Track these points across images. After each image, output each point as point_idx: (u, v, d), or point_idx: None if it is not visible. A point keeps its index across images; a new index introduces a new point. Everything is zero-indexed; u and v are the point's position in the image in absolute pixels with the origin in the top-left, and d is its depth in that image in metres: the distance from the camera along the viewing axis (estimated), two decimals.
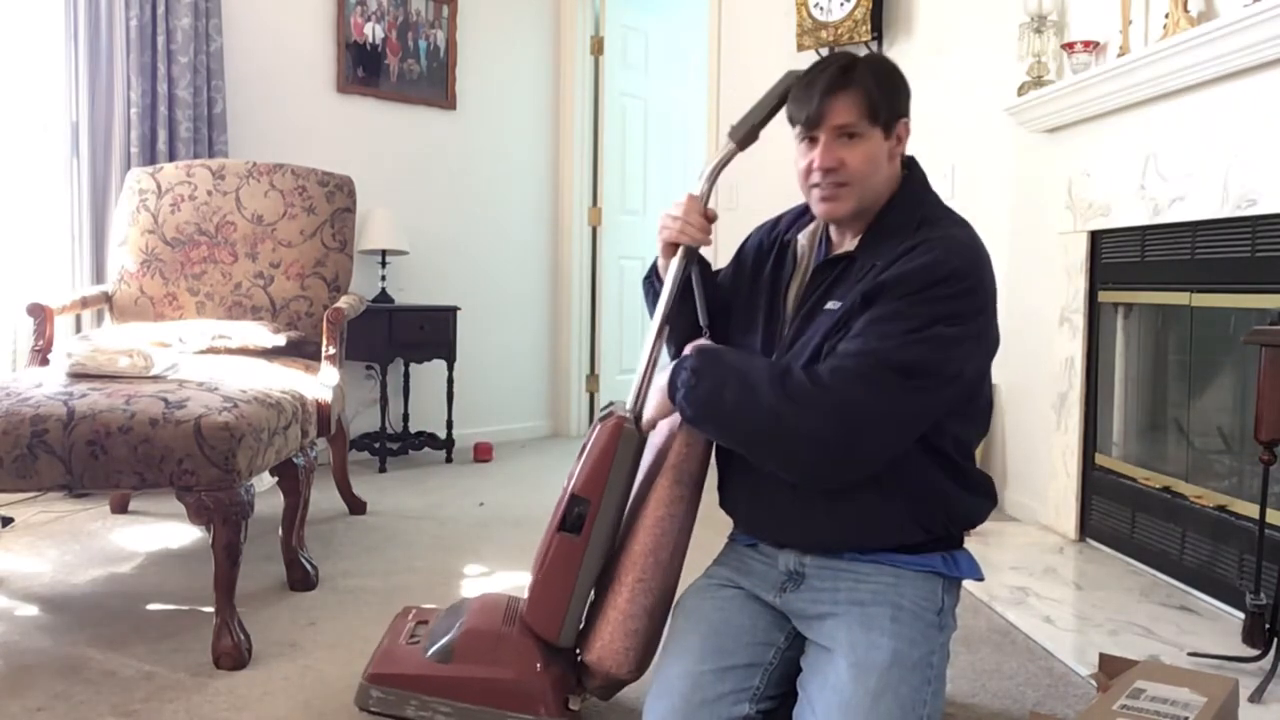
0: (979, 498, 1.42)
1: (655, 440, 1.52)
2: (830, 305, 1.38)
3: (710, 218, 1.50)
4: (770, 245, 1.55)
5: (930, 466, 1.35)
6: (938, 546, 1.39)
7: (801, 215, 1.56)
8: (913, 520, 1.36)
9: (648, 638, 1.43)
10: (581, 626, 1.50)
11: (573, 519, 1.44)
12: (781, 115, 1.47)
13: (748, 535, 1.52)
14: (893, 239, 1.35)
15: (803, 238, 1.50)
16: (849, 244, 1.42)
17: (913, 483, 1.34)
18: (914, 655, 1.28)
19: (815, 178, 1.37)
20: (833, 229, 1.47)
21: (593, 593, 1.50)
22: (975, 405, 1.40)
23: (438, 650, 1.56)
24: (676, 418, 1.43)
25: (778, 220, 1.60)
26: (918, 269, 1.28)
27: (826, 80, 1.35)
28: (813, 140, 1.37)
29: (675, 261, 1.50)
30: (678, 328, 1.56)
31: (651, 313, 1.59)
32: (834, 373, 1.26)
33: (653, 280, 1.60)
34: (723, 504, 1.55)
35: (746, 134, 1.50)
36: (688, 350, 1.40)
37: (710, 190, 1.53)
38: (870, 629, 1.30)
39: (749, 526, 1.51)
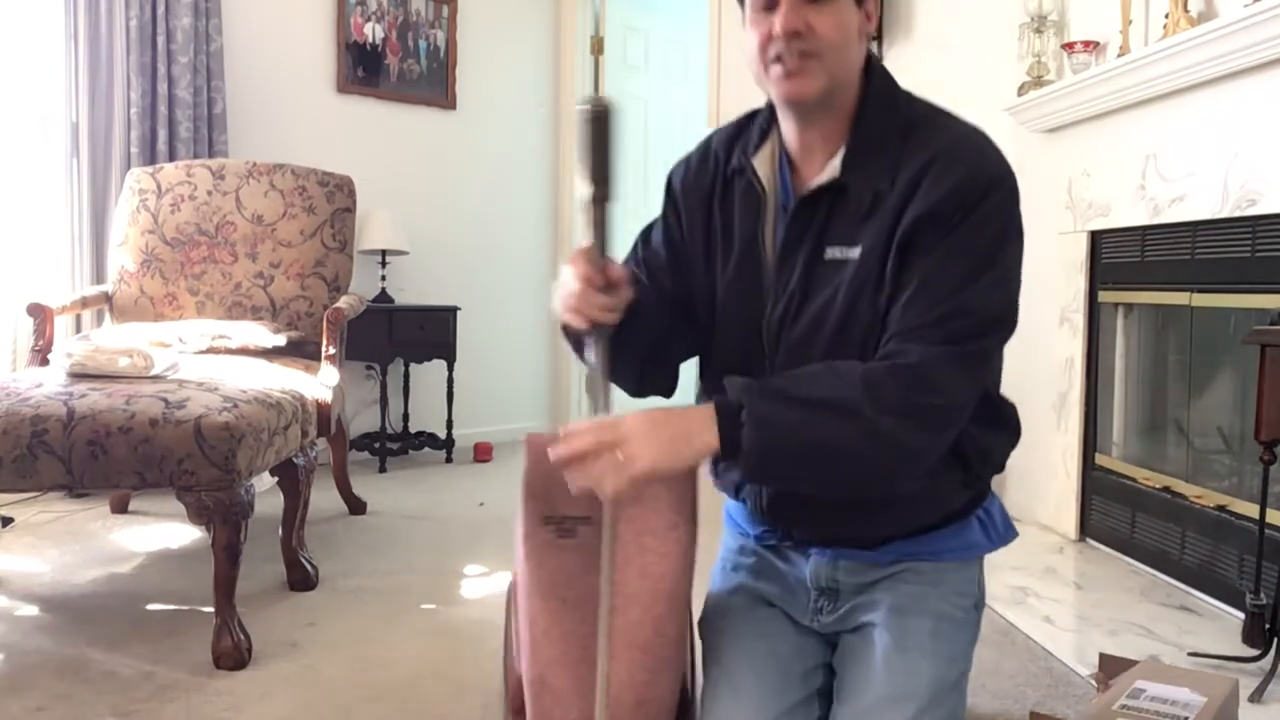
0: (1008, 433, 1.27)
1: None
2: (834, 252, 1.15)
3: (615, 279, 1.10)
4: (711, 180, 1.28)
5: (969, 420, 1.15)
6: (974, 506, 1.28)
7: (734, 140, 1.28)
8: (955, 485, 1.23)
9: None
10: None
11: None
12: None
13: (765, 527, 1.30)
14: (882, 154, 1.14)
15: (759, 164, 1.21)
16: (824, 170, 1.16)
17: (954, 446, 1.15)
18: (952, 675, 1.20)
19: (776, 47, 1.10)
20: (795, 152, 1.20)
21: None
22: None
23: None
24: None
25: (705, 149, 1.31)
26: (952, 192, 1.08)
27: None
28: (770, 9, 1.11)
29: (593, 344, 1.11)
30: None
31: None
32: (923, 366, 1.05)
33: (569, 335, 1.21)
34: (727, 489, 1.33)
35: (599, 187, 1.08)
36: (735, 396, 1.07)
37: (602, 248, 1.09)
38: (908, 650, 1.19)
39: (767, 518, 1.28)
